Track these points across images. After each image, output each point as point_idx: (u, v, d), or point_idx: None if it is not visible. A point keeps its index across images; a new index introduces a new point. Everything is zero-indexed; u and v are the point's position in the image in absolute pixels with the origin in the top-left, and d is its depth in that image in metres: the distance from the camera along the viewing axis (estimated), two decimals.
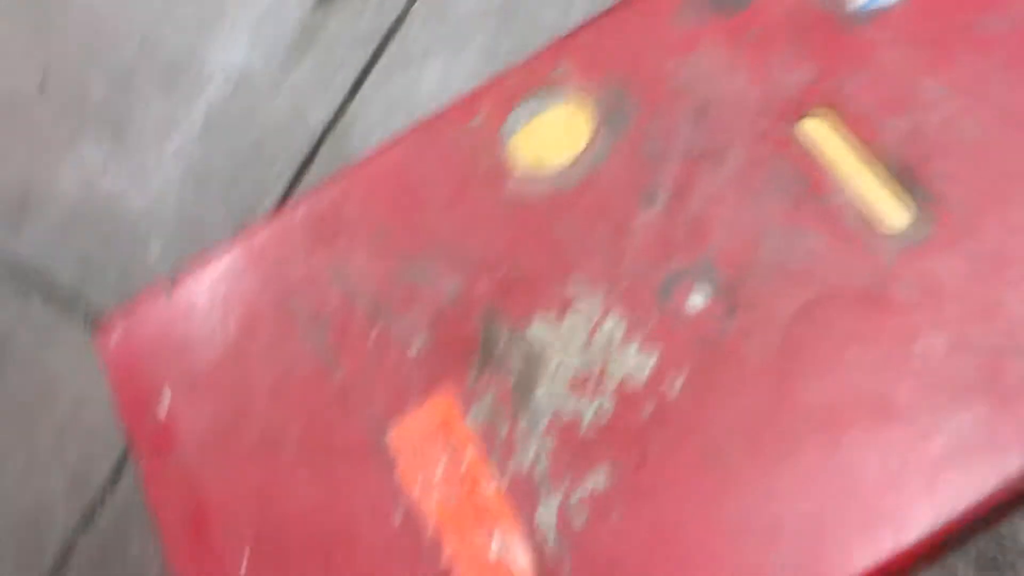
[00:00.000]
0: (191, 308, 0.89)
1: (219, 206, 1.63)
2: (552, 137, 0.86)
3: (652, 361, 0.74)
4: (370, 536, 0.75)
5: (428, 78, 1.62)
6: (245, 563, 0.77)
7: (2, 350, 1.66)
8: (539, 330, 0.78)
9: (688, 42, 0.85)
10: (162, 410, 0.84)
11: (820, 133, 0.78)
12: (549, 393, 0.76)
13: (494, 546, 0.72)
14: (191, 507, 0.80)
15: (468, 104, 0.90)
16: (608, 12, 0.90)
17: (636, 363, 0.74)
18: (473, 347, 0.79)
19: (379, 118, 1.62)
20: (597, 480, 0.71)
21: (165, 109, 1.74)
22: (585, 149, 0.84)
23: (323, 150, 1.63)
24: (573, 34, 0.91)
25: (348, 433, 0.79)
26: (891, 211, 0.74)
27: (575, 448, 0.73)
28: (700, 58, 0.84)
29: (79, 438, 1.56)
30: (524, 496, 0.73)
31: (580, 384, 0.75)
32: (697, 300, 0.75)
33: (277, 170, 1.63)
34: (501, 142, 0.87)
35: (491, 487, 0.74)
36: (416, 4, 1.66)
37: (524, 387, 0.76)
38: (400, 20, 1.67)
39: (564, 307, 0.79)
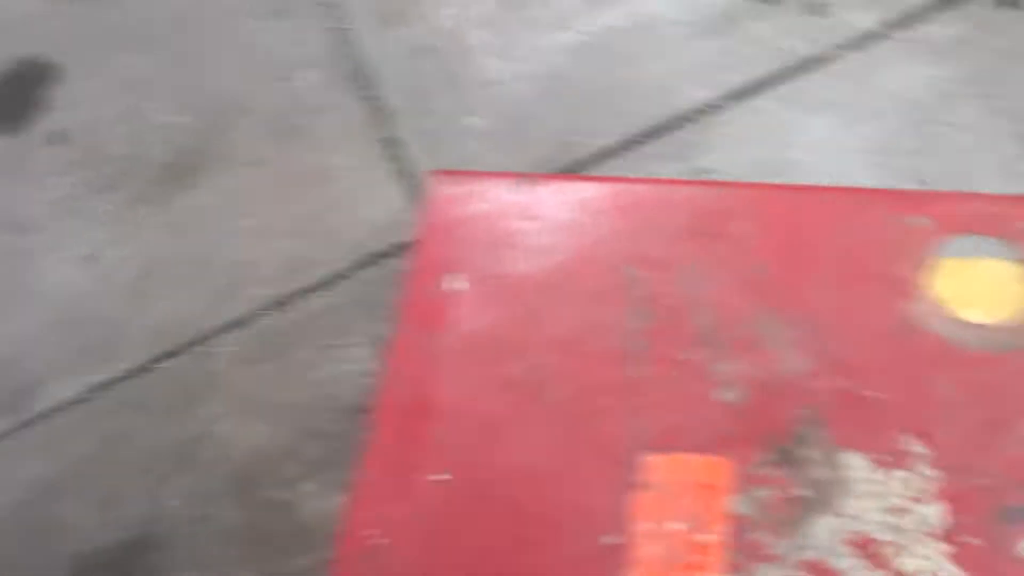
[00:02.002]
0: (532, 214, 0.82)
1: (555, 120, 1.59)
2: (984, 288, 0.74)
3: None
4: (571, 537, 0.69)
5: (815, 128, 1.52)
6: (441, 482, 0.72)
7: (307, 118, 1.70)
8: (855, 463, 0.68)
9: None
10: (448, 286, 0.79)
11: None
12: (827, 532, 0.66)
13: None
14: (421, 395, 0.76)
15: (920, 199, 0.80)
16: None
17: (934, 567, 0.63)
18: (780, 435, 0.70)
19: (746, 136, 1.53)
20: None
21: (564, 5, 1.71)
22: (1013, 323, 0.72)
23: (678, 131, 1.56)
24: None
25: (609, 429, 0.72)
26: None
27: None
28: None
29: (315, 235, 1.59)
30: None
31: (863, 547, 0.65)
32: None
33: (624, 122, 1.58)
34: (929, 257, 0.75)
35: None
36: (881, 43, 1.54)
37: (806, 508, 0.67)
38: (832, 55, 1.57)
39: (894, 461, 0.68)
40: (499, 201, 0.83)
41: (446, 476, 0.71)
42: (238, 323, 1.52)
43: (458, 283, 0.79)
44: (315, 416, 1.42)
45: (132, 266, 1.63)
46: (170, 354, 1.52)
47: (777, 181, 1.46)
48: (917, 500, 0.65)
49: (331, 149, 1.66)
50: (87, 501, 1.42)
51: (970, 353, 0.70)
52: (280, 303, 1.53)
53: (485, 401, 0.74)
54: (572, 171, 1.53)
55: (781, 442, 0.69)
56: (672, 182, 0.82)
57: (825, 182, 1.45)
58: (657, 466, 0.69)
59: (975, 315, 0.72)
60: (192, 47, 1.83)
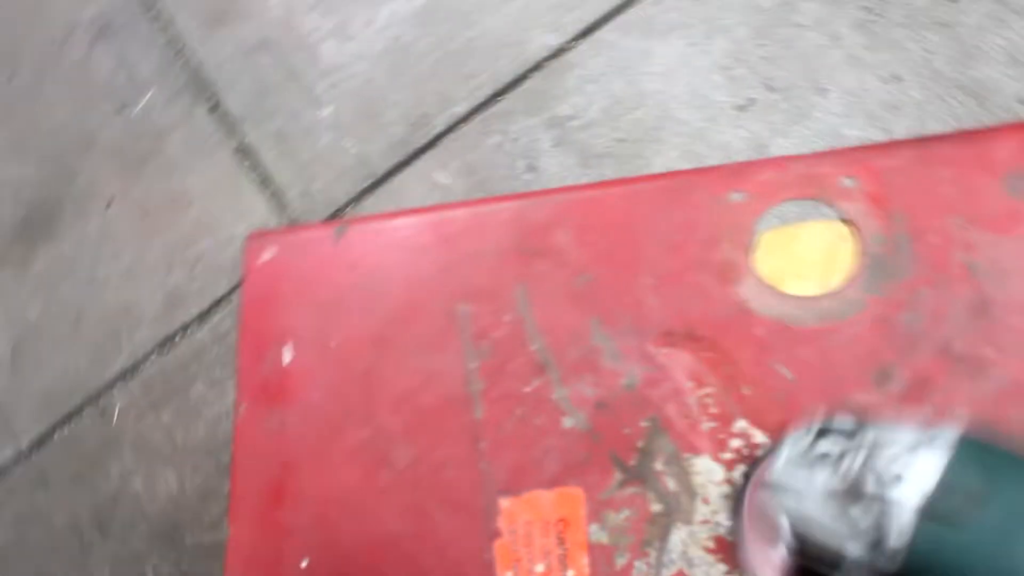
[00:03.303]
0: (354, 265, 0.79)
1: (405, 95, 1.54)
2: (808, 254, 0.72)
3: None
4: None
5: (661, 55, 1.47)
6: (303, 570, 0.70)
7: (154, 144, 1.63)
8: (704, 467, 0.67)
9: (1005, 219, 0.69)
10: (286, 357, 0.77)
11: None
12: (686, 543, 0.66)
13: None
14: (273, 479, 0.74)
15: (732, 173, 0.76)
16: (930, 141, 0.73)
17: None
18: (629, 451, 0.69)
19: (597, 74, 1.48)
20: None
21: None
22: (838, 287, 0.70)
23: (529, 83, 1.51)
24: (877, 148, 0.75)
25: (462, 480, 0.71)
26: None
27: None
28: (1009, 244, 0.68)
29: (188, 264, 1.54)
30: None
31: (724, 550, 0.65)
32: None
33: (475, 84, 1.52)
34: (751, 233, 0.73)
35: None
36: None
37: (665, 522, 0.66)
38: None
39: (741, 457, 0.67)
40: (318, 254, 0.79)
41: (306, 562, 0.70)
42: (127, 373, 1.48)
43: (289, 353, 0.76)
44: (222, 451, 1.39)
45: (3, 340, 1.57)
46: (64, 422, 1.48)
47: (636, 115, 1.44)
48: None
49: (185, 170, 1.59)
50: None
51: (806, 329, 0.69)
52: (165, 342, 1.49)
53: (334, 474, 0.72)
54: (428, 147, 1.49)
55: (628, 460, 0.68)
56: (487, 200, 0.79)
57: (681, 106, 1.43)
58: (512, 509, 0.69)
59: (806, 287, 0.71)
60: (18, 92, 1.73)
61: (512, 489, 0.69)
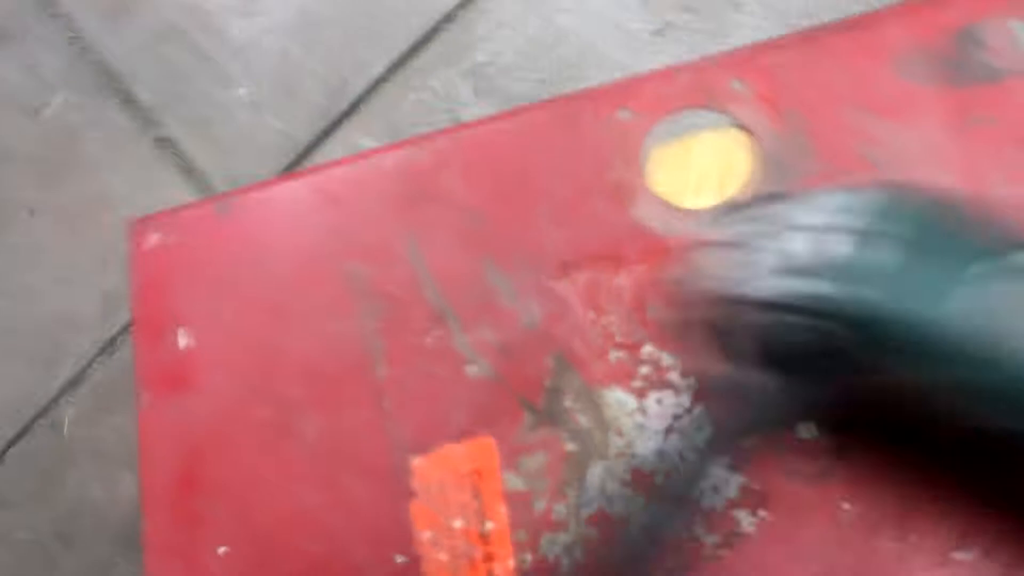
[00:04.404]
0: (242, 238, 0.76)
1: (320, 63, 1.50)
2: (701, 166, 0.69)
3: (735, 484, 0.60)
4: (365, 570, 0.65)
5: None
6: (222, 558, 0.68)
7: (70, 146, 1.58)
8: (615, 399, 0.65)
9: (900, 103, 0.66)
10: (182, 341, 0.74)
11: None
12: (604, 478, 0.63)
13: None
14: (182, 468, 0.72)
15: (617, 92, 0.72)
16: (817, 33, 0.70)
17: (715, 483, 0.61)
18: (536, 392, 0.66)
19: (510, 17, 1.45)
20: None
21: None
22: (737, 195, 0.67)
23: (444, 35, 1.47)
24: (764, 47, 0.72)
25: (371, 445, 0.69)
26: None
27: None
28: (906, 128, 0.66)
29: (121, 263, 1.50)
30: None
31: (640, 482, 0.62)
32: (806, 432, 0.60)
33: (389, 42, 1.48)
34: (643, 150, 0.70)
35: (508, 567, 0.62)
36: None
37: (581, 460, 0.64)
38: None
39: (651, 384, 0.64)
40: (204, 232, 0.76)
41: (224, 550, 0.68)
42: (74, 382, 1.45)
43: (184, 339, 0.74)
44: None
45: None
46: (15, 440, 1.45)
47: (554, 54, 1.40)
48: (682, 417, 0.63)
49: (107, 169, 1.55)
50: None
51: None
52: (109, 346, 1.46)
53: (243, 455, 0.70)
54: (350, 112, 1.46)
55: (537, 402, 0.66)
56: (368, 153, 0.76)
57: (599, 38, 1.41)
58: (424, 467, 0.66)
59: (704, 199, 0.68)
60: None
61: (422, 447, 0.66)
